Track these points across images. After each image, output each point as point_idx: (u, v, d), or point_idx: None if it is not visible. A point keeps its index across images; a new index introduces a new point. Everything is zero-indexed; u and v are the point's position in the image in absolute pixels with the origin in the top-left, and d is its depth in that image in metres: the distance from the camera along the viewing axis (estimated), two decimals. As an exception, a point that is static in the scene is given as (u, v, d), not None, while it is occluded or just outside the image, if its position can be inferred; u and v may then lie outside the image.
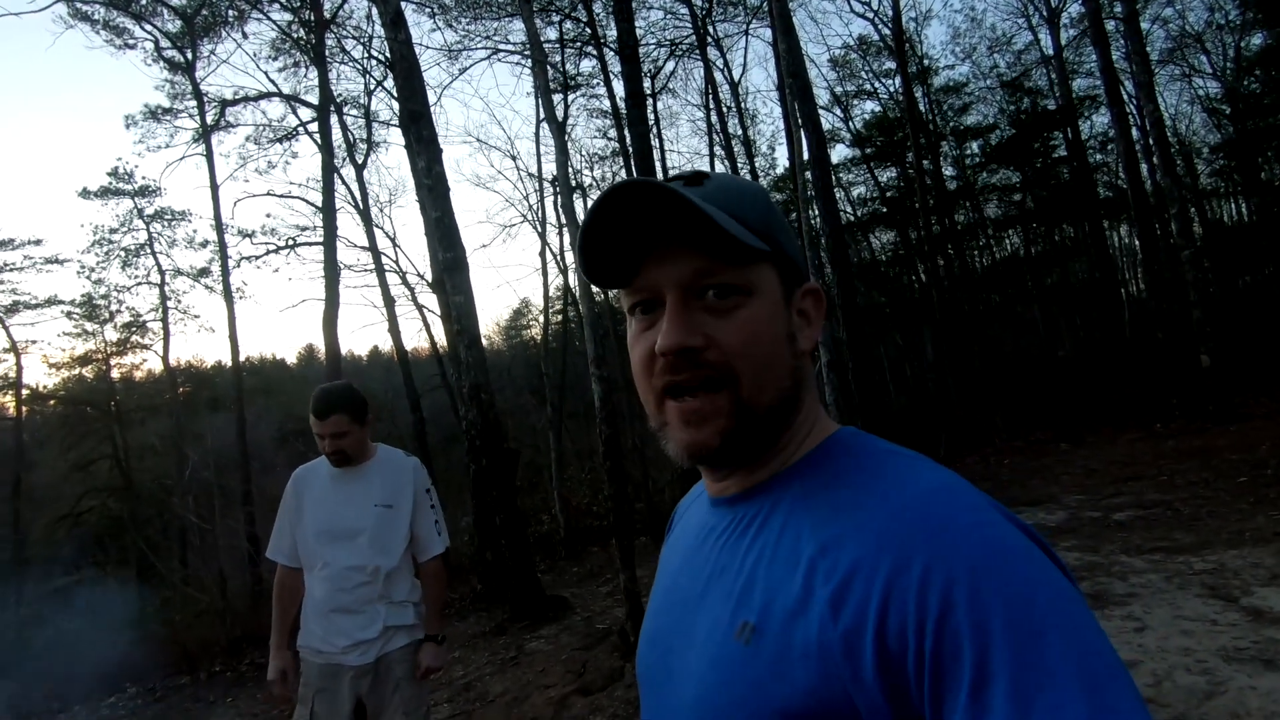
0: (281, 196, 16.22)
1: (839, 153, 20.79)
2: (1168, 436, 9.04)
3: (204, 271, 17.37)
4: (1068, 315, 19.41)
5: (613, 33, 14.13)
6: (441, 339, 14.74)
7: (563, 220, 14.75)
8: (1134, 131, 12.47)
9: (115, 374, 20.82)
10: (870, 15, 17.39)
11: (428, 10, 13.68)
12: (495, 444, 6.06)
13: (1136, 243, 18.20)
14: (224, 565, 10.19)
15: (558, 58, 14.49)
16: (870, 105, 21.25)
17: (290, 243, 15.06)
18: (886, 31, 16.91)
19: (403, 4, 6.51)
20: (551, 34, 14.28)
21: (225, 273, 14.04)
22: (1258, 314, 16.34)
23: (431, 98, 7.32)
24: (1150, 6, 16.62)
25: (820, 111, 13.05)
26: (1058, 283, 19.28)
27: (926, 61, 19.93)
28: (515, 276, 62.96)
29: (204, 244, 17.21)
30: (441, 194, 6.02)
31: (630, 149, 14.24)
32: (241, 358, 15.40)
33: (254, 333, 75.93)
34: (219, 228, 14.06)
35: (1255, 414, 9.19)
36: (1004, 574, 0.44)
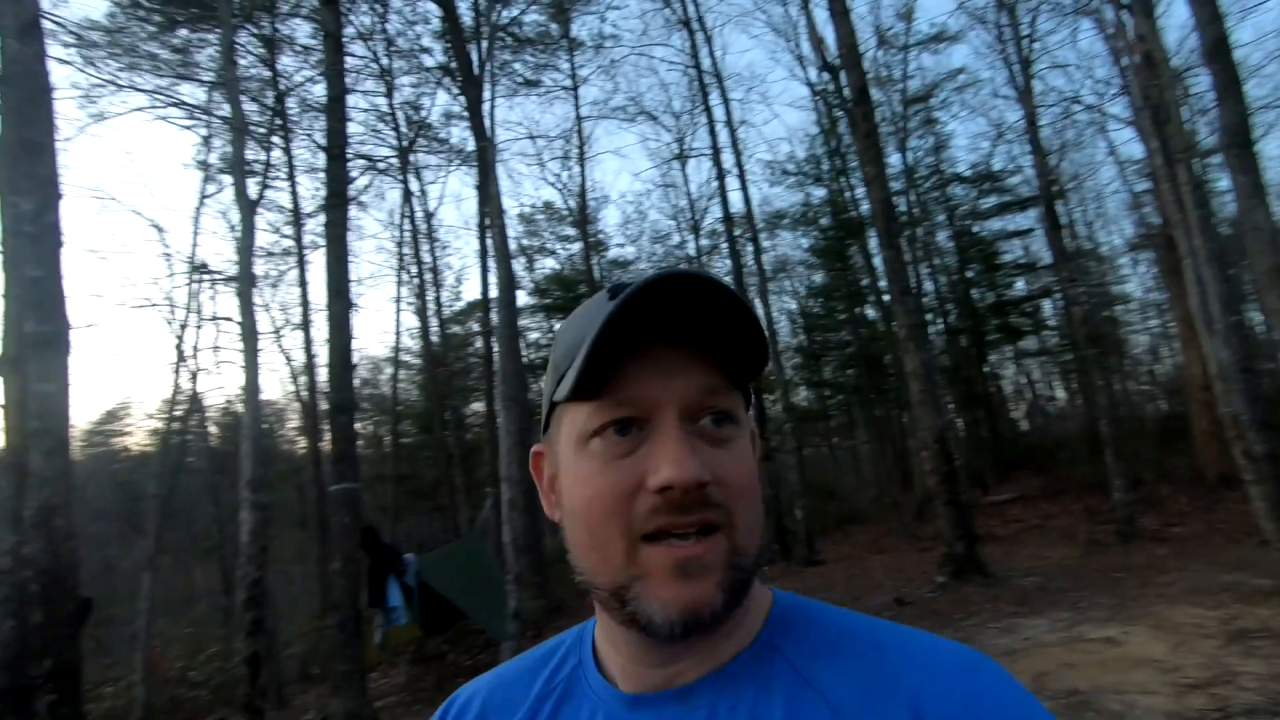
0: None
1: (521, 298, 22.08)
2: (774, 579, 10.78)
3: None
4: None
5: (303, 126, 13.35)
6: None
7: (219, 314, 12.54)
8: (751, 326, 15.79)
9: None
10: (560, 186, 19.59)
11: (67, 36, 11.23)
12: (64, 592, 4.39)
13: (752, 412, 22.44)
14: None
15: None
16: (550, 262, 23.32)
17: None
18: (573, 204, 19.15)
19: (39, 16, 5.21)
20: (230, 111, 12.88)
21: None
22: (821, 479, 21.12)
23: (60, 134, 5.66)
24: (763, 234, 21.88)
25: (510, 255, 13.85)
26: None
27: (602, 236, 22.95)
28: (123, 371, 50.41)
29: None
30: (50, 248, 4.62)
31: (308, 251, 13.10)
32: None
33: None
34: None
35: (829, 559, 11.59)
36: None
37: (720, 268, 21.78)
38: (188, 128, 12.45)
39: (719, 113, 14.68)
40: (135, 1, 11.88)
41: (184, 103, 11.42)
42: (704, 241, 21.78)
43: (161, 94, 10.75)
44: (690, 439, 0.47)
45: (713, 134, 14.81)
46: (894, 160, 20.15)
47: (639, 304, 0.45)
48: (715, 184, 15.06)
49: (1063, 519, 10.82)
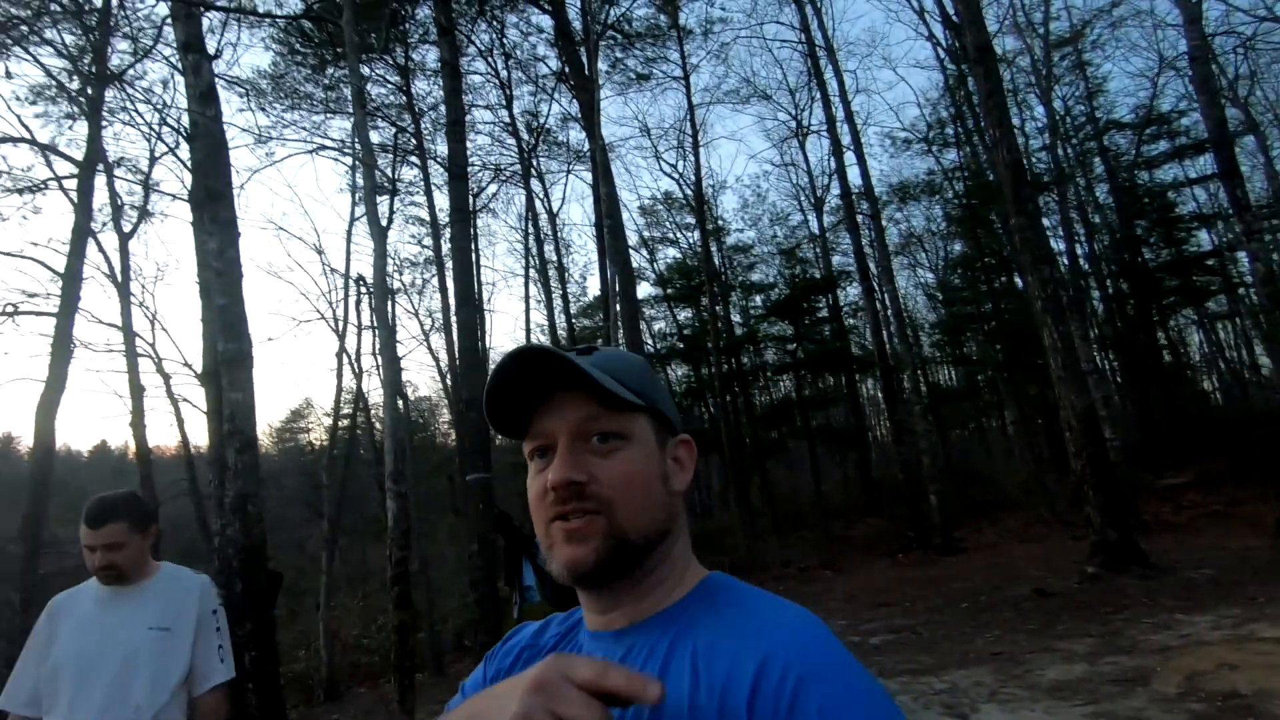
0: (10, 255, 13.49)
1: (643, 289, 22.56)
2: (907, 566, 10.38)
3: None
4: (830, 453, 22.00)
5: (439, 146, 14.47)
6: (197, 439, 12.81)
7: (373, 323, 14.03)
8: (878, 304, 15.14)
9: None
10: (676, 176, 19.75)
11: (239, 89, 12.98)
12: (257, 566, 5.24)
13: (880, 395, 21.56)
14: None
15: (380, 160, 14.37)
16: (672, 252, 23.60)
17: (11, 309, 12.50)
18: (689, 192, 19.25)
19: (216, 80, 6.15)
20: (375, 137, 14.23)
21: (-97, 336, 11.17)
22: (965, 462, 19.83)
23: (237, 180, 6.85)
24: (888, 209, 20.82)
25: (629, 250, 14.23)
26: (823, 425, 21.97)
27: (720, 223, 22.90)
28: (303, 376, 57.58)
29: (-124, 298, 13.63)
30: (233, 281, 5.48)
31: (447, 260, 14.24)
32: (-98, 445, 11.98)
33: (-78, 413, 60.10)
34: (-93, 281, 11.30)
35: (969, 547, 10.96)
36: (846, 680, 0.56)
37: (843, 245, 21.05)
38: (335, 158, 13.93)
39: (834, 86, 14.15)
40: (293, 48, 13.48)
41: (329, 140, 12.80)
42: (828, 219, 21.13)
43: (316, 132, 12.11)
44: (578, 454, 0.67)
45: (828, 108, 14.32)
46: (1039, 113, 18.44)
47: (516, 371, 0.68)
48: (833, 160, 14.57)
49: (1251, 505, 9.51)
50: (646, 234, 23.12)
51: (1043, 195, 16.62)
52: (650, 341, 21.88)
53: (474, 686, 0.79)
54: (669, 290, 22.20)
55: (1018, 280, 17.73)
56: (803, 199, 22.32)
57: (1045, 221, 17.39)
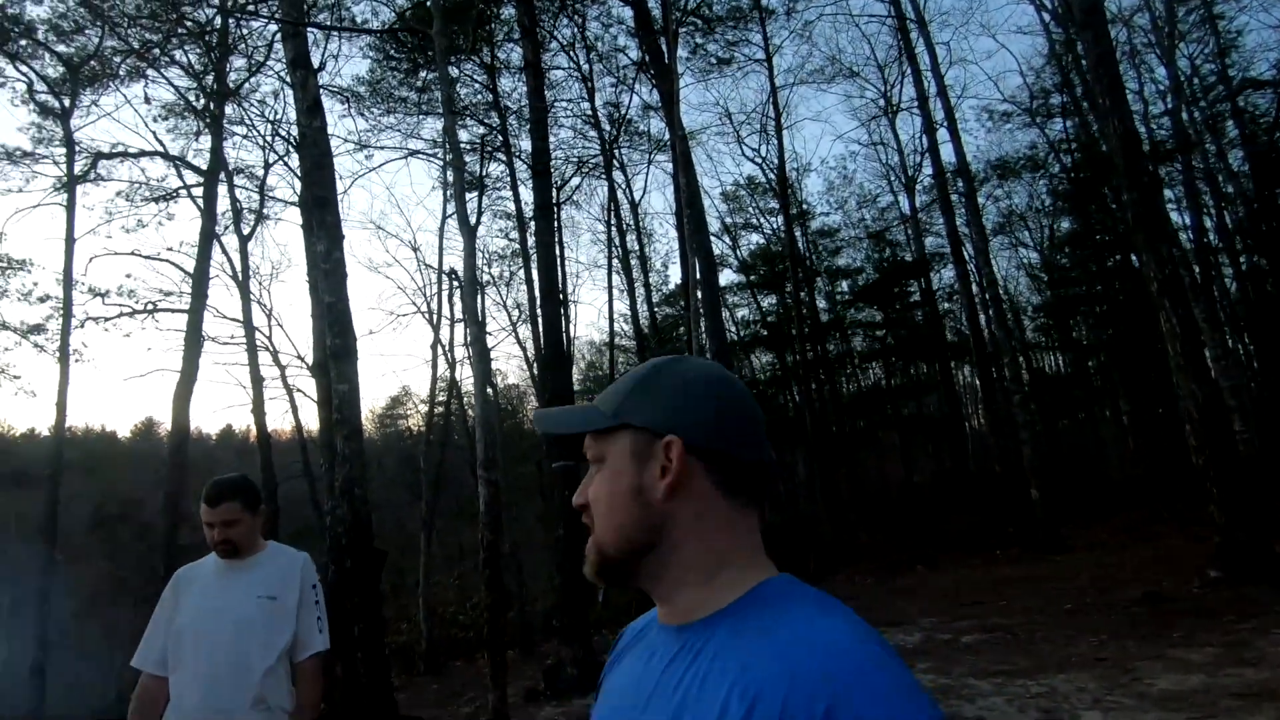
0: (149, 258, 14.95)
1: (726, 276, 22.33)
2: (1005, 563, 9.90)
3: (37, 328, 15.50)
4: (922, 444, 21.17)
5: (523, 142, 14.85)
6: (309, 425, 13.83)
7: (463, 316, 14.66)
8: (974, 287, 14.38)
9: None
10: (759, 161, 19.40)
11: (340, 97, 13.78)
12: (364, 544, 5.66)
13: (977, 383, 20.51)
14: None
15: (468, 158, 14.91)
16: (755, 237, 23.20)
17: (151, 307, 13.89)
18: (772, 176, 18.87)
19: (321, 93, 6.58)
20: (463, 135, 14.76)
21: (65, 332, 12.65)
22: (1073, 455, 18.60)
23: (340, 186, 7.39)
24: (985, 186, 19.68)
25: (711, 238, 14.14)
26: (914, 414, 21.15)
27: (805, 206, 22.33)
28: (401, 366, 60.86)
29: (43, 299, 15.46)
30: (338, 280, 5.89)
31: (533, 253, 14.63)
32: (65, 428, 13.59)
33: (81, 401, 67.50)
34: (67, 283, 12.77)
35: (1075, 546, 10.31)
36: (874, 705, 0.54)
37: (937, 226, 20.06)
38: (427, 157, 14.56)
39: (926, 60, 13.48)
40: (387, 55, 14.16)
41: (421, 140, 13.35)
42: (920, 199, 20.19)
43: (410, 134, 12.70)
44: (588, 479, 0.76)
45: (919, 84, 13.67)
46: (1160, 74, 16.86)
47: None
48: (925, 137, 13.90)
49: None
50: (729, 220, 22.84)
51: (1165, 165, 15.23)
52: (733, 329, 21.68)
53: (609, 663, 0.85)
54: (752, 277, 21.88)
55: (1134, 258, 16.38)
56: (893, 179, 21.42)
57: (1168, 193, 15.96)
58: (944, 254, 19.90)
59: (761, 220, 22.61)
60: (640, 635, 0.85)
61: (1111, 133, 7.66)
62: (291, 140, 12.91)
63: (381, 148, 13.85)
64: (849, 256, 22.79)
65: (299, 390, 13.80)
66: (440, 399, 14.34)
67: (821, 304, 22.00)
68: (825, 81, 19.55)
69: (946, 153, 14.02)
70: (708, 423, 0.72)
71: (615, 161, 17.27)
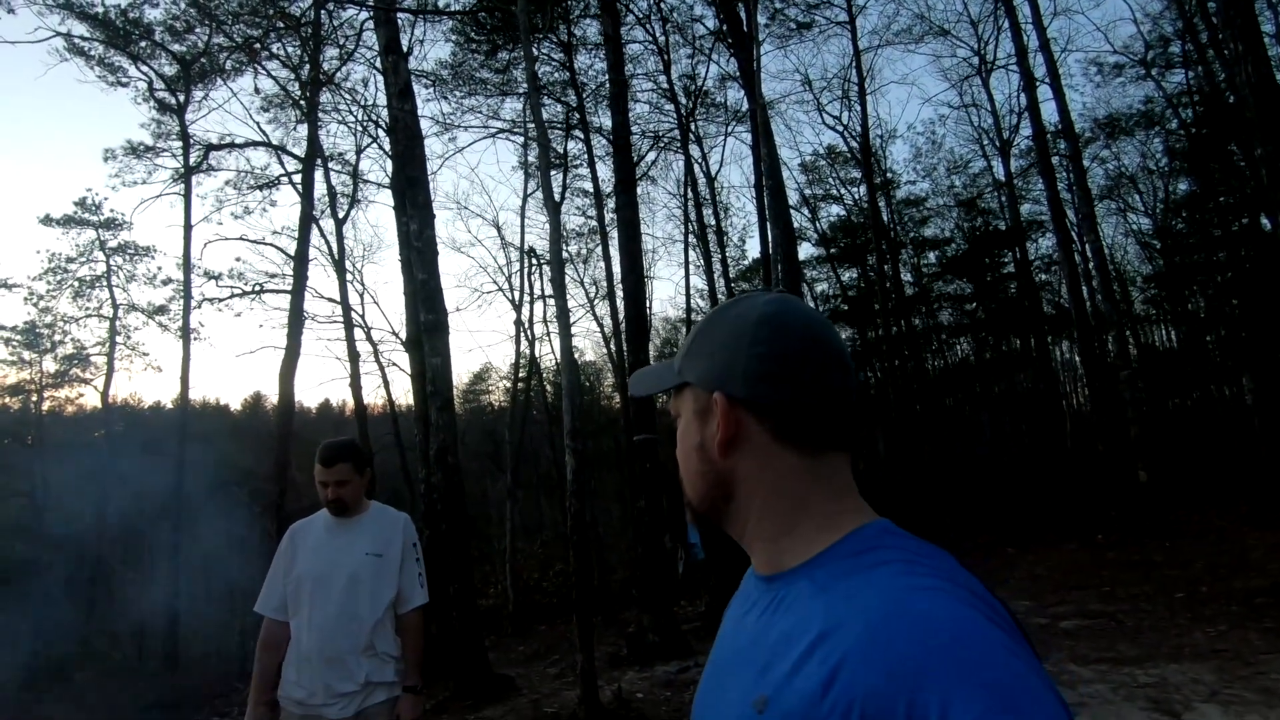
0: (255, 242, 16.02)
1: (805, 250, 21.76)
2: (1108, 547, 9.34)
3: (161, 309, 16.95)
4: (1014, 422, 20.16)
5: (600, 119, 14.89)
6: (400, 398, 14.55)
7: (544, 293, 14.98)
8: (1076, 257, 13.45)
9: (45, 406, 19.80)
10: (840, 129, 18.70)
11: (425, 81, 14.19)
12: (457, 509, 5.94)
13: (1077, 359, 19.28)
14: (144, 620, 9.48)
15: (550, 135, 15.08)
16: (836, 209, 22.44)
17: (258, 288, 14.89)
18: (854, 144, 18.17)
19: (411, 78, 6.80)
20: (544, 114, 14.92)
21: (186, 312, 13.79)
22: (1186, 435, 17.27)
23: (428, 168, 7.70)
24: (1091, 147, 18.28)
25: (790, 210, 13.80)
26: (1005, 391, 20.14)
27: (890, 175, 21.39)
28: (485, 342, 63.23)
29: (166, 282, 16.87)
30: (430, 258, 6.13)
31: (610, 230, 14.72)
32: (189, 400, 14.85)
33: (199, 377, 73.54)
34: (186, 267, 13.87)
35: (1189, 531, 9.61)
36: (973, 689, 0.47)
37: (1034, 192, 18.81)
38: (508, 137, 14.83)
39: (1025, 11, 12.57)
40: (468, 37, 14.45)
41: (502, 121, 13.58)
42: (1016, 163, 18.97)
43: (493, 116, 12.96)
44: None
45: (1017, 38, 12.76)
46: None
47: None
48: (1023, 96, 13.01)
49: None
50: (808, 192, 22.17)
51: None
52: (812, 304, 21.15)
53: (729, 605, 0.82)
54: (832, 250, 21.25)
55: (1264, 221, 14.87)
56: (985, 143, 20.18)
57: (1306, 148, 14.35)
58: (1042, 221, 18.69)
59: (842, 191, 21.85)
60: (748, 581, 0.85)
61: (1243, 82, 6.94)
62: (382, 124, 13.43)
63: (466, 128, 14.18)
64: (937, 226, 21.75)
65: (392, 365, 14.53)
66: (522, 375, 14.76)
67: (906, 277, 21.13)
68: (913, 41, 18.54)
69: (1048, 111, 13.08)
70: (752, 373, 0.67)
71: (692, 135, 17.05)
